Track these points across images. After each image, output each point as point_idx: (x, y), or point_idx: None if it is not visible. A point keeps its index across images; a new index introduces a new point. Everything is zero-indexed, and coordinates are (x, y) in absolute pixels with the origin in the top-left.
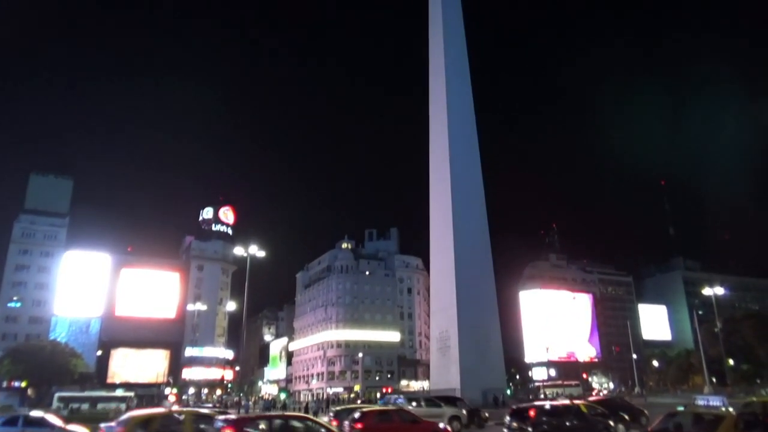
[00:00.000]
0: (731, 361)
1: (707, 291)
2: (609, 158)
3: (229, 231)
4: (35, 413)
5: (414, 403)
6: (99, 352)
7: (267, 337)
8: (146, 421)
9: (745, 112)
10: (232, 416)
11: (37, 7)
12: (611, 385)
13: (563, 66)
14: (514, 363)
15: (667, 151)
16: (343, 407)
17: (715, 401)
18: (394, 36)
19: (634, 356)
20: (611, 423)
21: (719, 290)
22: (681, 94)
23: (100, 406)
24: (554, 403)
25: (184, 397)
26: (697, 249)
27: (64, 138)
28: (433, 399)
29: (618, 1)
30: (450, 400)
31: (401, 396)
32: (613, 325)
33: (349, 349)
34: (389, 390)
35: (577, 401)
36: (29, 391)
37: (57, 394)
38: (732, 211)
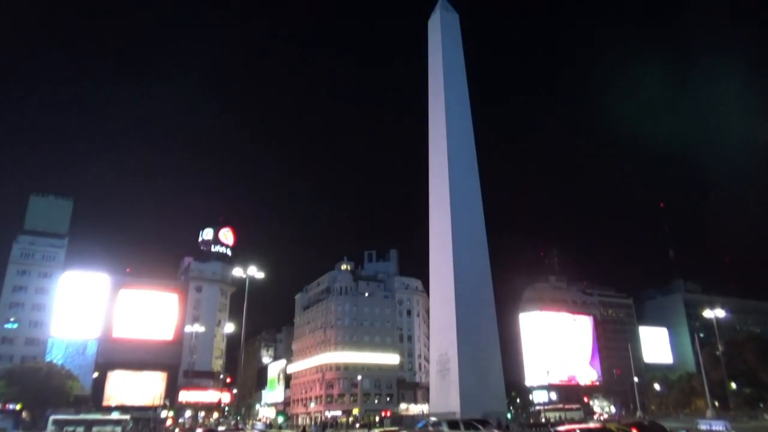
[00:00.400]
0: (733, 385)
1: (708, 313)
2: (609, 178)
3: (228, 252)
4: None
5: (445, 426)
6: (95, 375)
7: (265, 360)
8: None
9: (747, 127)
10: None
11: (34, 20)
12: (613, 409)
13: (563, 67)
14: (515, 386)
15: (665, 171)
16: (381, 430)
17: (717, 426)
18: (398, 53)
19: (636, 379)
20: None
21: (720, 313)
22: (680, 106)
23: (95, 429)
24: (589, 426)
25: (180, 420)
26: (697, 271)
27: (65, 158)
28: (472, 422)
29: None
30: (486, 423)
31: (436, 417)
32: (614, 347)
33: (348, 371)
34: (388, 414)
35: (608, 424)
36: (24, 414)
37: (52, 417)
38: (732, 233)
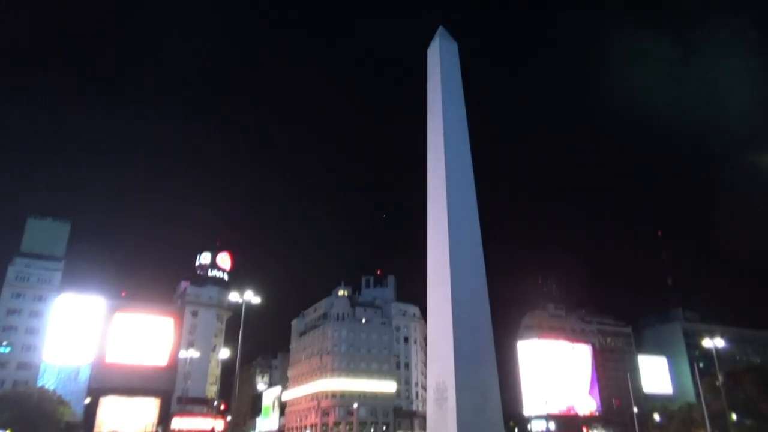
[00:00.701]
0: (734, 416)
1: (707, 343)
2: (606, 205)
3: (225, 276)
4: None
5: None
6: (87, 400)
7: (260, 386)
8: None
9: (748, 152)
10: None
11: (32, 36)
12: None
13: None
14: (513, 416)
15: (663, 198)
16: None
17: None
18: (395, 78)
19: (635, 410)
20: None
21: (719, 342)
22: (676, 127)
23: None
24: None
25: None
26: (696, 299)
27: (62, 180)
28: None
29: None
30: None
31: None
32: (613, 377)
33: (344, 399)
34: None
35: None
36: None
37: None
38: (731, 262)
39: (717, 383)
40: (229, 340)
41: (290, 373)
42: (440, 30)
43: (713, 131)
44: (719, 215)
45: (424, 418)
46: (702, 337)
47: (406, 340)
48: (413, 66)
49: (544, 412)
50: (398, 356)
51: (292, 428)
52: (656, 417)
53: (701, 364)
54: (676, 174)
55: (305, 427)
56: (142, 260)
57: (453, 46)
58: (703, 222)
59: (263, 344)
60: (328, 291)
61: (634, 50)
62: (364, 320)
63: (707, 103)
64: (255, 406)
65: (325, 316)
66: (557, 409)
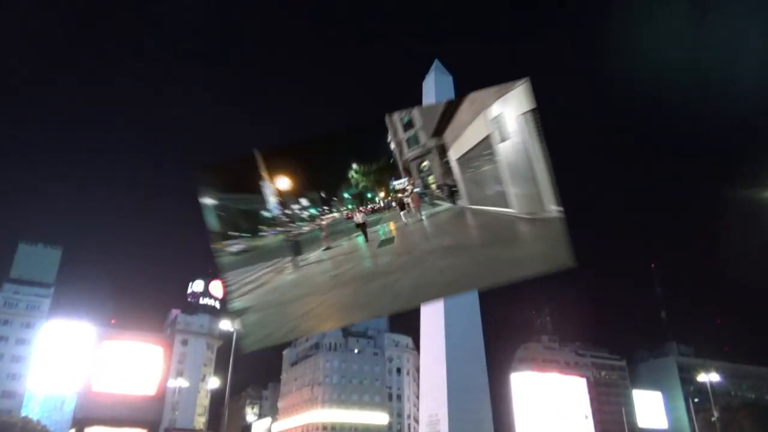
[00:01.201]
0: None
1: (702, 378)
2: (600, 236)
3: (217, 305)
4: None
5: None
6: (72, 431)
7: (249, 418)
8: None
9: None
10: None
11: (27, 55)
12: None
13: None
14: None
15: (657, 230)
16: None
17: None
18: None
19: None
20: None
21: (715, 377)
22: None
23: None
24: None
25: None
26: (690, 334)
27: (54, 206)
28: None
29: None
30: None
31: None
32: (608, 411)
33: (335, 431)
34: None
35: None
36: None
37: None
38: (726, 296)
39: (712, 419)
40: (219, 369)
41: (281, 404)
42: (436, 64)
43: (711, 158)
44: (715, 248)
45: None
46: (697, 371)
47: (398, 371)
48: (411, 94)
49: None
50: (390, 388)
51: None
52: None
53: (696, 399)
54: (671, 205)
55: None
56: (134, 288)
57: (448, 80)
58: (698, 255)
59: (254, 374)
60: None
61: (635, 53)
62: (356, 351)
63: (707, 113)
64: None
65: (317, 346)
66: None
